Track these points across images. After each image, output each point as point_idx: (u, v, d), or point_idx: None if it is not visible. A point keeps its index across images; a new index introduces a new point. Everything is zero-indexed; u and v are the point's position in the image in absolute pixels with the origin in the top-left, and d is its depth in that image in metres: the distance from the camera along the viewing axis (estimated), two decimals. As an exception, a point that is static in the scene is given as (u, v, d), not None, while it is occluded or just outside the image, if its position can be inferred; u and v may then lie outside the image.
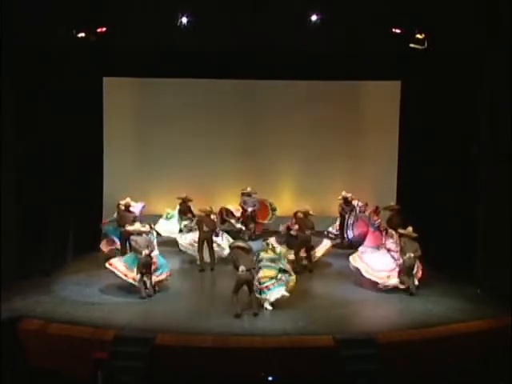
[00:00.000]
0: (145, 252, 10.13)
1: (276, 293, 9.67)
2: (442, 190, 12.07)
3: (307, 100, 14.92)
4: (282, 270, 9.84)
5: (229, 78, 14.20)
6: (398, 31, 10.72)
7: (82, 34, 10.80)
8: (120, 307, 9.91)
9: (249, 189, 14.04)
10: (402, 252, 10.51)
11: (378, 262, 10.81)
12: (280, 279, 9.72)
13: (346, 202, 13.58)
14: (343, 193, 13.67)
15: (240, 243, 9.96)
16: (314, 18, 10.75)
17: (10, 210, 10.63)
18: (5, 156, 10.48)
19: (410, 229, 10.80)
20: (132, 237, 10.50)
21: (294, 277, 10.02)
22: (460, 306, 10.09)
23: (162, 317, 9.62)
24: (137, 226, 10.68)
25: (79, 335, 8.66)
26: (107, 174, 14.05)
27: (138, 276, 10.11)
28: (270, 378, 7.73)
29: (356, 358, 8.42)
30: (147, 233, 10.75)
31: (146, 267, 10.19)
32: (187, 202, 13.49)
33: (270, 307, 9.71)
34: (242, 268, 9.34)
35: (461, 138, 11.59)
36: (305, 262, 11.92)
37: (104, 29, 10.84)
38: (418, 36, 10.65)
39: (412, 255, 10.42)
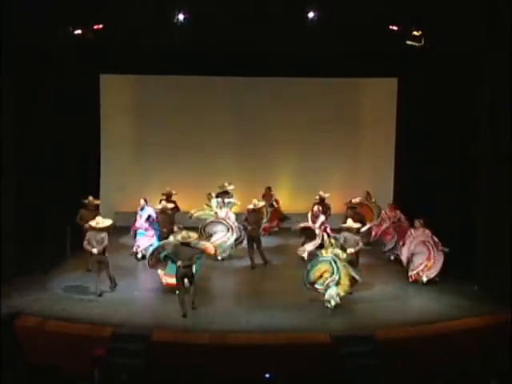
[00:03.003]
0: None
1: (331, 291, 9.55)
2: (440, 189, 12.11)
3: (303, 97, 14.95)
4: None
5: (226, 75, 14.24)
6: (395, 28, 10.78)
7: (79, 31, 10.85)
8: (117, 304, 9.92)
9: (226, 184, 13.90)
10: (342, 248, 10.21)
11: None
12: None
13: (322, 202, 13.09)
14: (320, 192, 13.30)
15: (180, 238, 9.70)
16: (311, 15, 10.80)
17: (9, 208, 10.64)
18: (5, 156, 10.49)
19: (349, 221, 10.78)
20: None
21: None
22: (458, 302, 10.14)
23: (159, 313, 9.65)
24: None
25: (76, 332, 8.69)
26: (104, 172, 14.10)
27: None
28: (268, 376, 7.70)
29: (354, 355, 8.43)
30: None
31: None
32: (170, 197, 13.25)
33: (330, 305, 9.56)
34: (179, 263, 9.41)
35: (460, 136, 11.63)
36: None
37: (101, 26, 10.89)
38: (415, 33, 10.71)
39: (353, 250, 10.30)
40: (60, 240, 12.05)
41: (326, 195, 13.35)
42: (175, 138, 15.10)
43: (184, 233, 9.79)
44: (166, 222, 12.03)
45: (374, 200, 13.60)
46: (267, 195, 14.36)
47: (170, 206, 12.60)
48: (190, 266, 9.53)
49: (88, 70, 12.75)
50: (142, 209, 12.29)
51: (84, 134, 12.86)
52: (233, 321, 9.27)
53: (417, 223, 11.07)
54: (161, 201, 12.80)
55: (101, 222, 10.41)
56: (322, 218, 11.96)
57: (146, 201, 12.40)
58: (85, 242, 10.27)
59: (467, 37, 10.37)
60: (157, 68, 13.61)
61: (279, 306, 9.80)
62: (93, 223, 10.35)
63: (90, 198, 12.08)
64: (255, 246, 12.00)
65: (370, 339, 8.64)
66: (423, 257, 10.84)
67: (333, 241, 10.00)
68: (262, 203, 12.67)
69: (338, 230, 10.84)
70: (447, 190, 11.89)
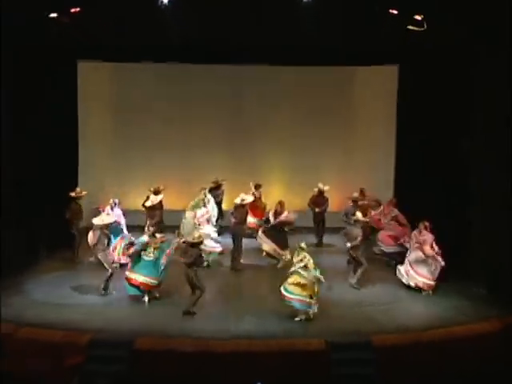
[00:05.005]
0: None
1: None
2: (445, 185, 12.26)
3: (296, 87, 15.06)
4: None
5: (212, 63, 14.29)
6: (395, 12, 10.95)
7: (54, 15, 10.92)
8: (96, 309, 10.01)
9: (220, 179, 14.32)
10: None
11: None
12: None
13: (321, 195, 13.71)
14: (319, 185, 13.81)
15: (191, 239, 10.09)
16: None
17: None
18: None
19: (359, 214, 11.14)
20: None
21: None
22: (462, 306, 10.34)
23: (141, 319, 9.74)
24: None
25: (52, 339, 8.78)
26: (82, 166, 14.19)
27: None
28: (258, 385, 7.89)
29: (350, 362, 8.57)
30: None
31: None
32: (158, 193, 13.56)
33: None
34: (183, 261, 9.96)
35: (464, 128, 11.80)
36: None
37: (77, 9, 10.99)
38: (417, 17, 10.85)
39: (349, 245, 10.67)
40: (32, 237, 12.16)
41: (326, 188, 13.73)
42: (159, 131, 15.21)
43: (196, 232, 10.28)
44: (154, 218, 12.52)
45: (366, 200, 13.60)
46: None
47: (160, 197, 13.12)
48: (191, 267, 9.87)
49: (64, 57, 12.81)
50: (111, 209, 12.53)
51: (60, 125, 12.95)
52: (221, 327, 9.39)
53: (421, 226, 11.16)
54: (148, 197, 13.16)
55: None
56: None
57: (115, 203, 12.62)
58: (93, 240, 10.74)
59: (469, 25, 10.73)
60: (139, 55, 13.68)
61: (270, 311, 9.91)
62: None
63: (78, 189, 12.53)
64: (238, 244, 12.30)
65: (367, 345, 8.77)
66: (425, 269, 10.97)
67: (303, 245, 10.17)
68: (250, 197, 12.93)
69: (337, 228, 11.09)
70: (452, 186, 12.05)
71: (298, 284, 9.58)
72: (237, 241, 12.38)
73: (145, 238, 10.55)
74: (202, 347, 8.72)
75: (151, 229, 10.92)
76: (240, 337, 9.05)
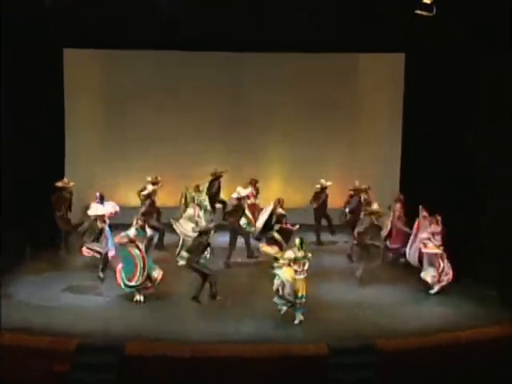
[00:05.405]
0: None
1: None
2: (452, 180, 12.19)
3: (297, 76, 14.95)
4: None
5: (208, 49, 14.12)
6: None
7: None
8: (83, 312, 9.93)
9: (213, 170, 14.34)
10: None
11: None
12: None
13: (323, 191, 13.81)
14: (322, 181, 13.84)
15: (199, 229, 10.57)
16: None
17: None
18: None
19: (375, 205, 11.35)
20: None
21: None
22: (472, 309, 10.21)
23: (131, 323, 9.67)
24: None
25: (37, 345, 8.67)
26: (69, 159, 14.07)
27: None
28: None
29: (353, 368, 8.47)
30: None
31: None
32: (156, 184, 13.50)
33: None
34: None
35: (470, 119, 11.81)
36: None
37: None
38: (426, 1, 10.64)
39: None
40: (16, 235, 12.02)
41: (328, 183, 13.80)
42: (151, 120, 15.10)
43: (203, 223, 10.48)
44: (151, 212, 12.56)
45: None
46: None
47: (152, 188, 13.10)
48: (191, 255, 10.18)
49: (49, 44, 12.65)
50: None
51: (44, 113, 12.87)
52: (217, 330, 9.30)
53: (432, 220, 11.11)
54: (144, 187, 13.11)
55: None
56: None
57: (101, 196, 12.38)
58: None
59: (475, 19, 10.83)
60: (129, 41, 13.47)
61: (270, 313, 9.78)
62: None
63: (65, 179, 12.52)
64: (233, 239, 12.35)
65: (370, 350, 8.69)
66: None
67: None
68: (247, 190, 12.89)
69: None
70: (458, 180, 12.01)
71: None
72: (231, 236, 12.46)
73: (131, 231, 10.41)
74: (196, 352, 8.61)
75: (139, 222, 10.69)
76: (237, 340, 8.94)
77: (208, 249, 10.60)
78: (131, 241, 10.23)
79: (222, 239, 12.88)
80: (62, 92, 13.83)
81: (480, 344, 9.01)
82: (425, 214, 11.31)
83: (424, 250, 10.97)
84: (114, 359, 8.48)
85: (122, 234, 10.40)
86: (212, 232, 10.91)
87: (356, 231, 11.45)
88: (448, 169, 12.48)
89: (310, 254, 9.67)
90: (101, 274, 10.95)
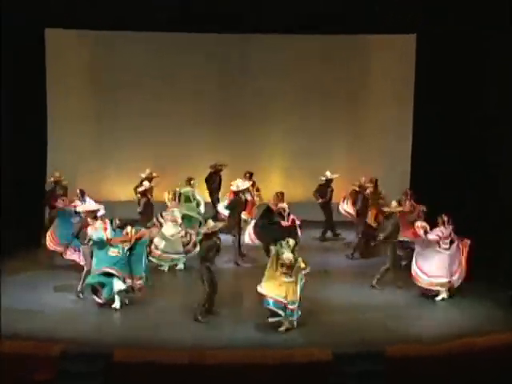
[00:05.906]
0: None
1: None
2: (466, 173, 12.16)
3: (300, 60, 14.93)
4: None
5: (206, 31, 13.99)
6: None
7: None
8: (69, 316, 9.86)
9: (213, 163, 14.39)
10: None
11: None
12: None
13: (328, 184, 13.90)
14: (327, 173, 13.89)
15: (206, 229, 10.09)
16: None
17: None
18: None
19: (394, 203, 11.24)
20: None
21: None
22: (488, 313, 10.08)
23: (120, 327, 9.69)
24: None
25: (18, 351, 8.55)
26: (52, 152, 13.86)
27: None
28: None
29: (359, 376, 8.38)
30: None
31: None
32: (151, 180, 13.60)
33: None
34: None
35: (490, 107, 11.80)
36: None
37: None
38: None
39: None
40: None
41: (334, 176, 13.86)
42: (143, 108, 15.07)
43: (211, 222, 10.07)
44: (148, 209, 12.63)
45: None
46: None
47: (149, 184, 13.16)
48: (203, 262, 9.73)
49: (30, 24, 12.38)
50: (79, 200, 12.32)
51: (24, 100, 12.68)
52: (212, 336, 9.23)
53: (439, 220, 10.93)
54: (141, 182, 13.17)
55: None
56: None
57: (82, 192, 12.41)
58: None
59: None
60: (119, 22, 13.35)
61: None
62: None
63: (57, 174, 12.78)
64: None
65: (379, 357, 8.55)
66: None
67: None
68: (246, 183, 12.79)
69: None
70: (472, 174, 12.04)
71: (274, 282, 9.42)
72: (234, 233, 12.48)
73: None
74: (190, 358, 8.45)
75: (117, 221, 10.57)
76: (236, 347, 8.82)
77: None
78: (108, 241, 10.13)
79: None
80: (43, 79, 13.64)
81: (497, 351, 8.82)
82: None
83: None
84: (100, 366, 8.35)
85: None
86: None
87: (381, 236, 11.18)
88: (466, 166, 12.46)
89: (300, 259, 9.59)
90: (80, 294, 10.52)
